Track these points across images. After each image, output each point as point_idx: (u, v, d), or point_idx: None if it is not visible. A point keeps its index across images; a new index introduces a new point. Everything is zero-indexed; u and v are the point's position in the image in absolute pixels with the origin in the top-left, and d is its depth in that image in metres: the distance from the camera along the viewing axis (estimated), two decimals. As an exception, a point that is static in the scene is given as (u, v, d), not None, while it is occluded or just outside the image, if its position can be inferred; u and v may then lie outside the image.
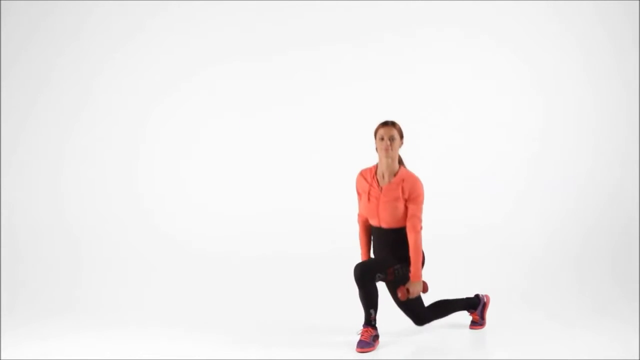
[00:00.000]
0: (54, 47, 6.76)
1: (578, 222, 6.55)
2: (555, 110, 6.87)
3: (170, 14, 6.81)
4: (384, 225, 4.44)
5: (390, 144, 4.39)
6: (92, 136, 6.76)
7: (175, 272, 6.09)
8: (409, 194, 4.37)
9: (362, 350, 4.29)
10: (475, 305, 4.74)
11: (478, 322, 4.74)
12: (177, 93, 6.85)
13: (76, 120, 6.77)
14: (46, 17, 6.74)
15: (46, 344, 4.58)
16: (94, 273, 6.07)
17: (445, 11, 6.81)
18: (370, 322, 4.34)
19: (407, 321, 4.62)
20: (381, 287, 4.43)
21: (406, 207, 4.38)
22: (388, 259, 4.42)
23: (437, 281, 4.67)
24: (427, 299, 4.59)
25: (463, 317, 4.83)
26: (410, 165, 4.56)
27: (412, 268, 4.37)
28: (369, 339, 4.32)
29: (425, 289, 4.47)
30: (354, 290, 4.37)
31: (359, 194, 4.56)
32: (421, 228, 4.40)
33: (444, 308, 4.64)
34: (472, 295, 4.80)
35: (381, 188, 4.44)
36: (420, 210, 4.40)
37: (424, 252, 4.46)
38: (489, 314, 4.82)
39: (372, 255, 4.62)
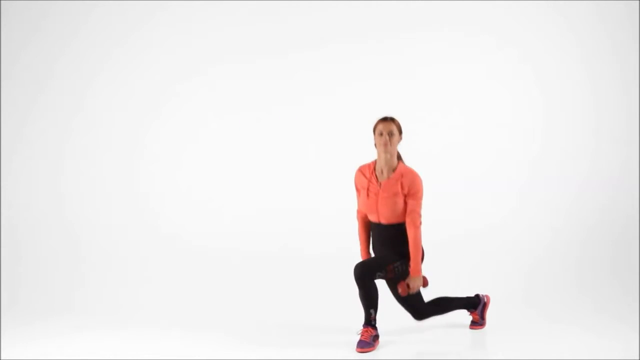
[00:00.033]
0: (54, 47, 6.75)
1: (578, 222, 6.55)
2: (555, 110, 6.87)
3: (171, 13, 6.80)
4: (384, 221, 4.43)
5: (389, 139, 4.39)
6: (92, 136, 6.76)
7: (175, 272, 6.09)
8: (408, 189, 4.37)
9: (362, 350, 4.29)
10: (475, 305, 4.73)
11: (478, 322, 4.74)
12: (177, 92, 6.84)
13: (76, 120, 6.76)
14: (46, 17, 6.73)
15: (46, 344, 4.58)
16: (94, 273, 6.07)
17: (446, 11, 6.80)
18: (370, 322, 4.34)
19: (408, 321, 4.62)
20: (381, 286, 4.43)
21: (405, 203, 4.38)
22: (387, 256, 4.41)
23: (438, 281, 4.66)
24: (427, 296, 4.59)
25: (463, 317, 4.83)
26: (410, 165, 4.55)
27: (411, 263, 4.36)
28: (369, 339, 4.32)
29: (425, 283, 4.47)
30: (354, 290, 4.37)
31: (357, 190, 4.56)
32: (420, 223, 4.39)
33: (444, 305, 4.64)
34: (472, 295, 4.80)
35: (380, 184, 4.43)
36: (419, 205, 4.39)
37: (423, 247, 4.46)
38: (489, 314, 4.82)
39: (371, 251, 4.62)
